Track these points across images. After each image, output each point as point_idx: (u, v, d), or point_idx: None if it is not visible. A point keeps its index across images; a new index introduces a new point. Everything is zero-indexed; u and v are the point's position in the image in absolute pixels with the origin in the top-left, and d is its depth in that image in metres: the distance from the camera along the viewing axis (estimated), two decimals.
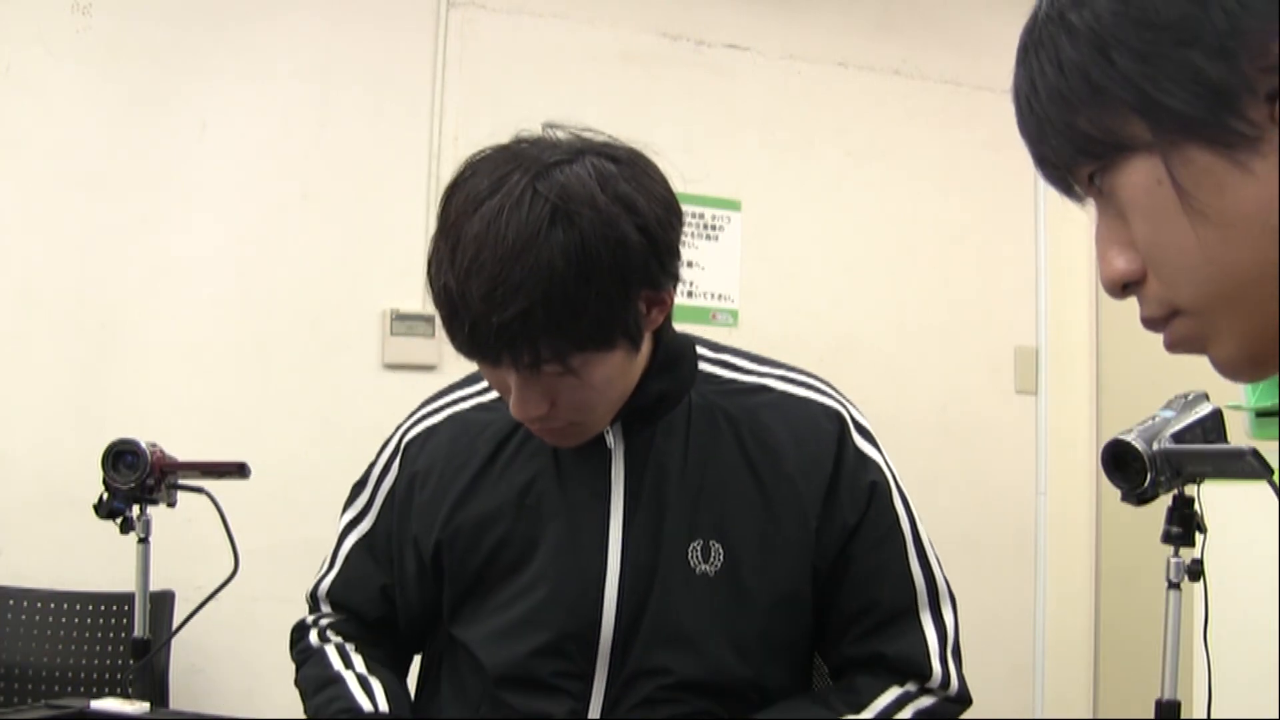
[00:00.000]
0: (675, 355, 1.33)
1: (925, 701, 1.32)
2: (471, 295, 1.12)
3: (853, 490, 1.33)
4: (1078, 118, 0.68)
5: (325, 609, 1.50)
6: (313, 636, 1.48)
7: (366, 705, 1.34)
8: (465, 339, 1.17)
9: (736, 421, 1.34)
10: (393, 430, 1.49)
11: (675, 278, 1.24)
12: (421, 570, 1.39)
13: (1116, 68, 0.65)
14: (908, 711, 1.31)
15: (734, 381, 1.37)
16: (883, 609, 1.33)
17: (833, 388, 1.40)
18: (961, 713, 1.36)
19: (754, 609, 1.31)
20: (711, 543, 1.30)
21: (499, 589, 1.34)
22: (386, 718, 1.33)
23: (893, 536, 1.34)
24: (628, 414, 1.30)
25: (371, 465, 1.47)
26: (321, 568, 1.51)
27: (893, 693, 1.32)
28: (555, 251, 1.11)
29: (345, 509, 1.49)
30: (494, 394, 1.39)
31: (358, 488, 1.48)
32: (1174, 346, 0.72)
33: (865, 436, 1.37)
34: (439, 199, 1.22)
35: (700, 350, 1.39)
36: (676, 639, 1.29)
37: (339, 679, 1.39)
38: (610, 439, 1.32)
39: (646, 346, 1.28)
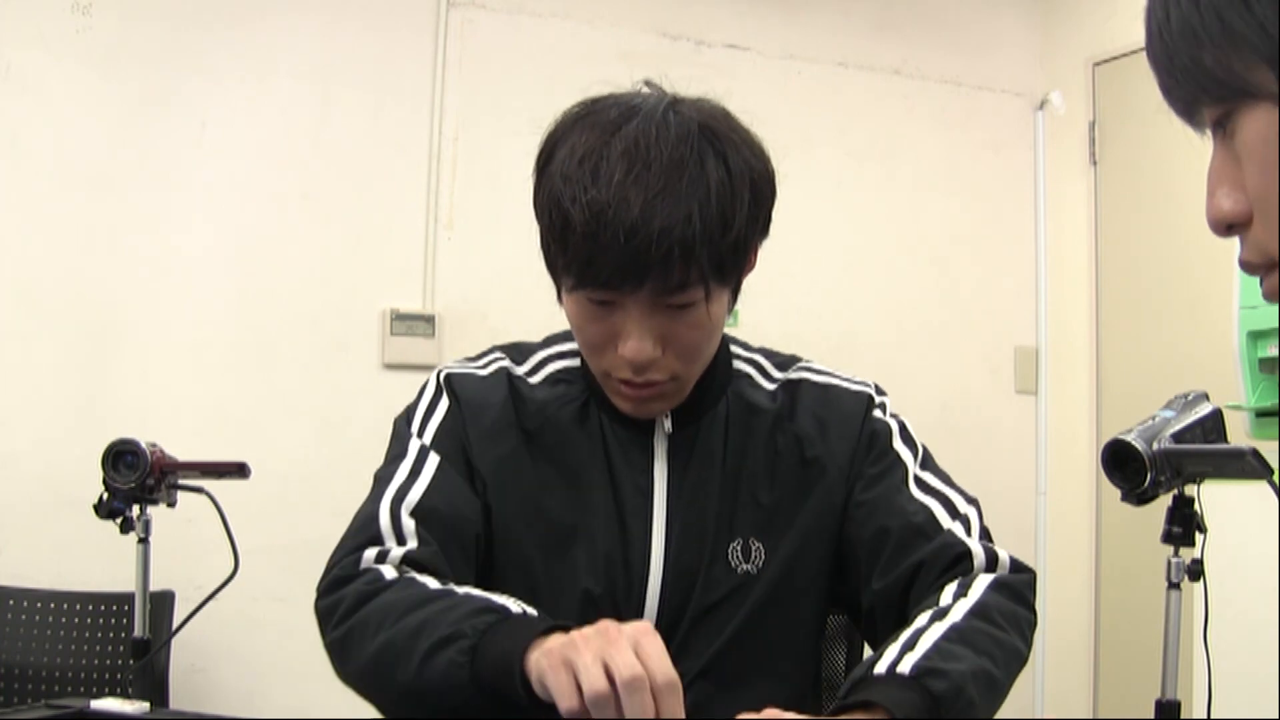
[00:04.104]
0: (717, 352, 1.34)
1: (986, 578, 1.23)
2: (629, 204, 1.12)
3: (866, 452, 1.34)
4: (1205, 55, 0.67)
5: (408, 524, 1.23)
6: (385, 570, 1.18)
7: (515, 607, 1.10)
8: (615, 255, 1.13)
9: (771, 420, 1.34)
10: (424, 382, 1.38)
11: (767, 232, 1.26)
12: (486, 507, 1.29)
13: (1253, 13, 0.64)
14: (979, 587, 1.21)
15: (768, 374, 1.38)
16: (897, 535, 1.28)
17: (859, 377, 1.41)
18: (1033, 582, 1.27)
19: (796, 605, 1.31)
20: (752, 540, 1.30)
21: (539, 576, 1.29)
22: (550, 621, 1.07)
23: (891, 472, 1.32)
24: (675, 410, 1.30)
25: (408, 412, 1.35)
26: (395, 480, 1.27)
27: (951, 586, 1.22)
28: (709, 166, 1.15)
29: (399, 442, 1.32)
30: (540, 374, 1.35)
31: (401, 436, 1.33)
32: (1269, 296, 0.72)
33: (883, 410, 1.38)
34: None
35: (733, 349, 1.39)
36: (713, 636, 1.29)
37: (447, 593, 1.13)
38: (666, 423, 1.30)
39: None
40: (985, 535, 1.29)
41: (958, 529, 1.28)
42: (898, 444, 1.35)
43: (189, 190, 3.09)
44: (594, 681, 0.94)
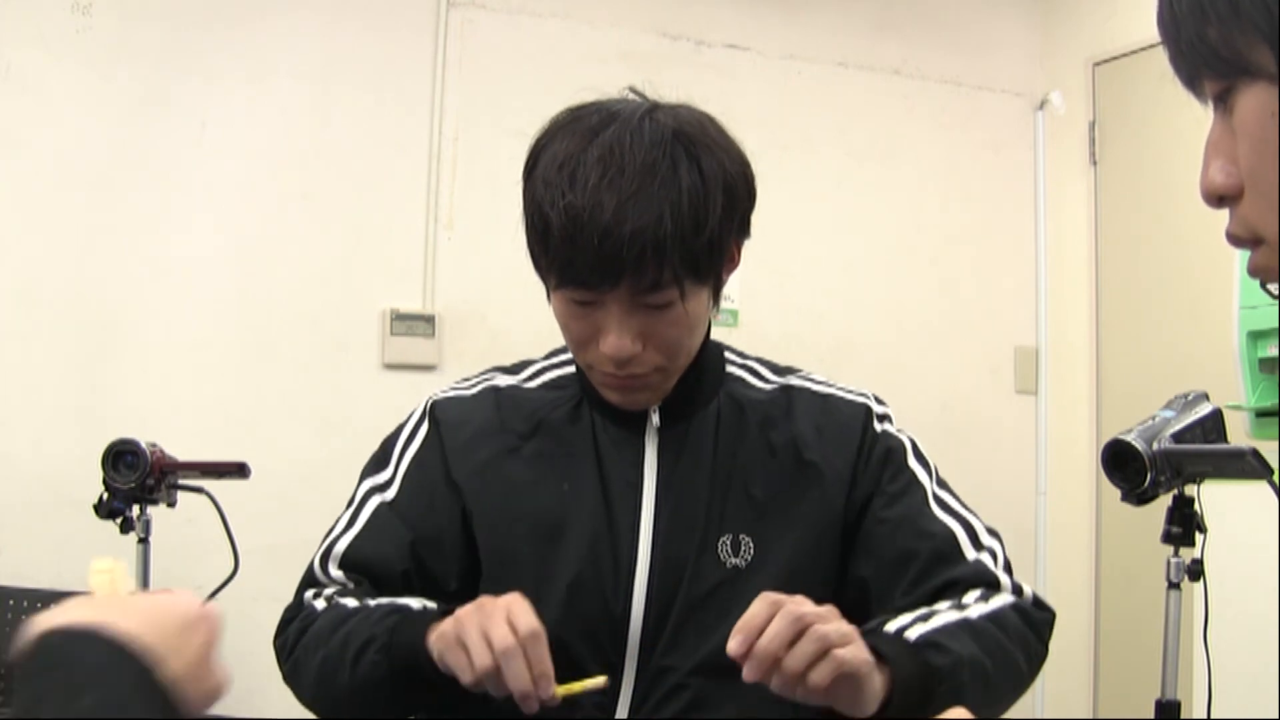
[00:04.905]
0: (706, 353, 1.37)
1: (1008, 599, 1.30)
2: (603, 208, 1.17)
3: (870, 463, 1.36)
4: (1210, 30, 0.68)
5: (335, 574, 1.36)
6: (318, 603, 1.33)
7: (415, 604, 1.26)
8: (591, 256, 1.18)
9: (764, 418, 1.37)
10: (414, 408, 1.44)
11: (747, 232, 1.30)
12: (464, 515, 1.35)
13: None
14: (999, 602, 1.28)
15: (763, 378, 1.41)
16: (925, 556, 1.32)
17: (856, 387, 1.45)
18: (1051, 621, 1.35)
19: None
20: (741, 536, 1.32)
21: (527, 568, 1.32)
22: (443, 608, 1.21)
23: (911, 490, 1.35)
24: (664, 407, 1.33)
25: (395, 433, 1.42)
26: (334, 532, 1.39)
27: (975, 593, 1.28)
28: (681, 170, 1.20)
29: (368, 474, 1.42)
30: (537, 380, 1.40)
31: (382, 456, 1.42)
32: (1253, 272, 0.74)
33: (886, 421, 1.41)
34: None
35: (728, 355, 1.42)
36: (706, 632, 1.30)
37: (363, 607, 1.27)
38: (655, 418, 1.33)
39: None
40: (1009, 570, 1.35)
41: (985, 559, 1.33)
42: (913, 462, 1.38)
43: (189, 190, 3.09)
44: (481, 658, 1.10)
